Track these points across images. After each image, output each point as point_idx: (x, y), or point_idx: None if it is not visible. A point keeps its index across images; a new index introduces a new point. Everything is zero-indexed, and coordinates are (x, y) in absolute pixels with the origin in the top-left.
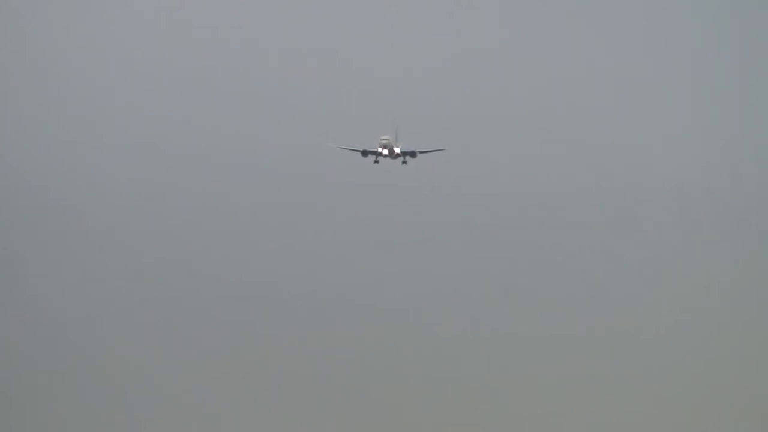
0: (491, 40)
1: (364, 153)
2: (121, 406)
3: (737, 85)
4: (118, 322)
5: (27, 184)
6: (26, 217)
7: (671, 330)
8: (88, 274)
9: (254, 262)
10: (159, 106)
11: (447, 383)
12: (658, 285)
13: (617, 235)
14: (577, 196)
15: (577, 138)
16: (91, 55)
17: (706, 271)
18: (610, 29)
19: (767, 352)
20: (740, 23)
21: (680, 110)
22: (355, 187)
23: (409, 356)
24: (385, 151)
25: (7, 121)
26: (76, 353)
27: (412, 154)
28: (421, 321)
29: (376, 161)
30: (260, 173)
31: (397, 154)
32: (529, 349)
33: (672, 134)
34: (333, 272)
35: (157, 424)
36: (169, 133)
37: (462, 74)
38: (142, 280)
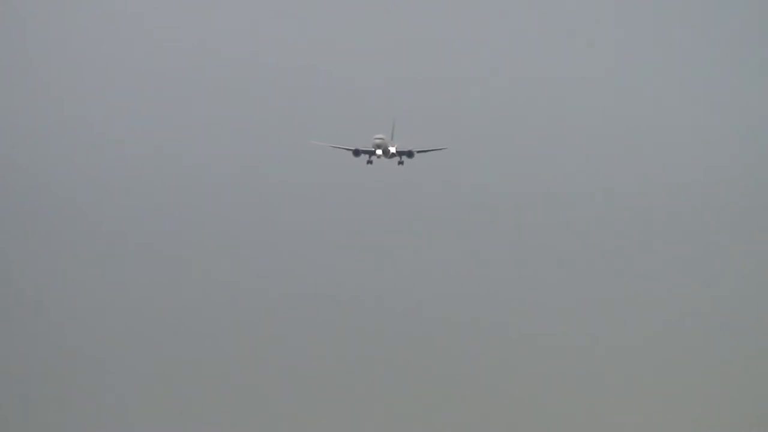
0: (494, 38)
1: (357, 152)
2: (119, 405)
3: (740, 88)
4: (116, 322)
5: (27, 184)
6: (26, 217)
7: (672, 330)
8: (86, 273)
9: (252, 262)
10: (154, 106)
11: (447, 382)
12: (658, 286)
13: (618, 235)
14: (578, 196)
15: (579, 139)
16: (90, 56)
17: (707, 272)
18: (615, 30)
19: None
20: (745, 25)
21: (681, 113)
22: (352, 187)
23: (407, 355)
24: (379, 151)
25: (8, 122)
26: (74, 352)
27: (409, 154)
28: (420, 320)
29: (369, 161)
30: (252, 172)
31: (393, 153)
32: (530, 348)
33: (673, 136)
34: (331, 272)
35: (156, 422)
36: (163, 133)
37: (463, 73)
38: (137, 278)
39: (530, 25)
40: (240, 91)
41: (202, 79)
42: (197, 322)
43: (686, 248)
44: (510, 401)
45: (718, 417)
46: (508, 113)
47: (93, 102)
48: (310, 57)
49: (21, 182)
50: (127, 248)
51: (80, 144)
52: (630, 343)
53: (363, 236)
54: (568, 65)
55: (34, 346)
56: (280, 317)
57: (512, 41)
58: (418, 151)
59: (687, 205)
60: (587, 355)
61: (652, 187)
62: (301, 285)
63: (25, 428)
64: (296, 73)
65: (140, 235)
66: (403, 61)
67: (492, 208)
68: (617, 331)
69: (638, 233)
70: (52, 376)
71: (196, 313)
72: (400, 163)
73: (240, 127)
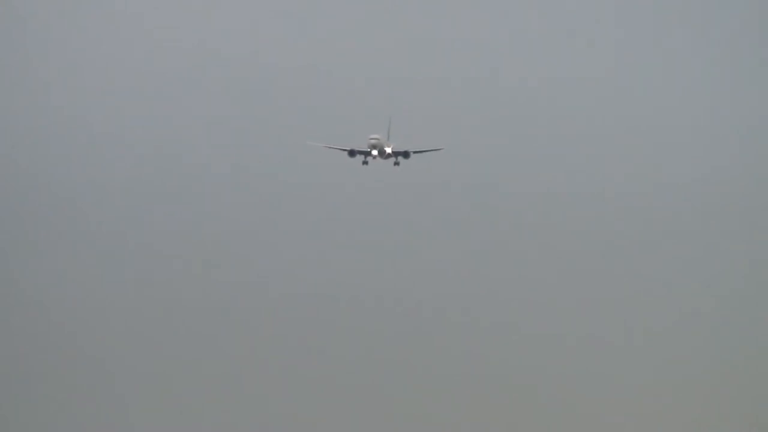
0: (493, 38)
1: (352, 153)
2: (119, 405)
3: (740, 88)
4: (116, 322)
5: (27, 184)
6: (26, 217)
7: (672, 330)
8: (86, 273)
9: (252, 262)
10: (154, 106)
11: (447, 382)
12: (658, 286)
13: (618, 235)
14: (578, 196)
15: (579, 139)
16: (90, 56)
17: (707, 272)
18: (615, 30)
19: None
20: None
21: (681, 113)
22: (353, 187)
23: (407, 355)
24: (375, 152)
25: (8, 122)
26: (74, 352)
27: (405, 154)
28: (420, 320)
29: (365, 162)
30: (252, 172)
31: (389, 154)
32: (530, 347)
33: (673, 136)
34: (331, 272)
35: (156, 422)
36: (163, 133)
37: (461, 73)
38: (137, 278)
39: (530, 25)
40: (240, 91)
41: (202, 79)
42: (197, 322)
43: (686, 248)
44: (510, 401)
45: (718, 417)
46: (507, 113)
47: (93, 102)
48: (310, 57)
49: (21, 182)
50: (127, 248)
51: (80, 144)
52: (630, 343)
53: (363, 236)
54: (568, 65)
55: (34, 346)
56: (280, 317)
57: (511, 41)
58: (415, 152)
59: (687, 205)
60: (587, 355)
61: (653, 187)
62: (301, 285)
63: (25, 428)
64: (296, 73)
65: (140, 235)
66: (400, 61)
67: (492, 208)
68: (617, 331)
69: (638, 233)
70: (52, 376)
71: (196, 313)
72: (396, 163)
73: (240, 127)
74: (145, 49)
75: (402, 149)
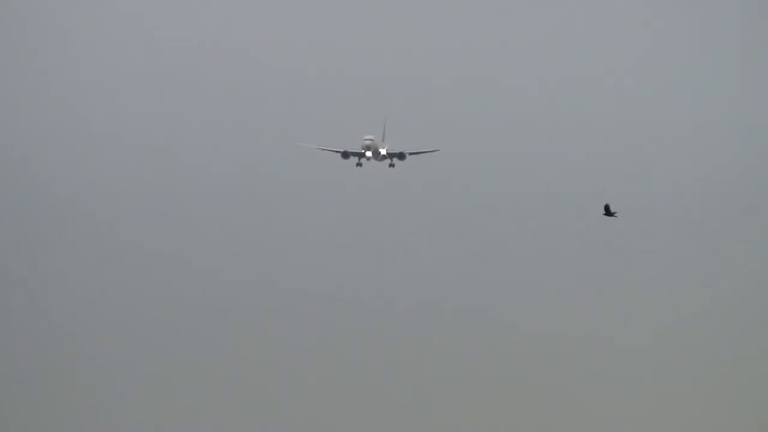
0: (493, 38)
1: (345, 154)
2: (119, 405)
3: (740, 88)
4: (116, 321)
5: (27, 184)
6: (26, 217)
7: (673, 330)
8: (86, 273)
9: (252, 262)
10: (154, 106)
11: (448, 382)
12: (659, 286)
13: (618, 235)
14: (578, 196)
15: (579, 139)
16: (90, 56)
17: (707, 272)
18: (615, 30)
19: None
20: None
21: (681, 113)
22: (353, 186)
23: (407, 355)
24: (369, 153)
25: (8, 122)
26: (74, 352)
27: (401, 156)
28: (420, 320)
29: (359, 164)
30: (252, 172)
31: (383, 155)
32: (530, 348)
33: (672, 136)
34: (331, 272)
35: (156, 422)
36: (163, 133)
37: (459, 73)
38: (137, 278)
39: (530, 25)
40: (240, 91)
41: (202, 79)
42: (197, 322)
43: (686, 248)
44: (510, 401)
45: (718, 417)
46: (506, 113)
47: (93, 102)
48: (308, 57)
49: (21, 182)
50: (127, 248)
51: (80, 144)
52: (630, 343)
53: (363, 236)
54: (568, 65)
55: (34, 346)
56: (280, 317)
57: (511, 41)
58: (410, 153)
59: (687, 205)
60: (588, 355)
61: (653, 187)
62: (301, 285)
63: (25, 428)
64: (295, 74)
65: (140, 235)
66: (397, 61)
67: (492, 208)
68: (618, 331)
69: (638, 233)
70: (52, 376)
71: (196, 313)
72: (392, 165)
73: (240, 127)
74: (145, 49)
75: (397, 150)
